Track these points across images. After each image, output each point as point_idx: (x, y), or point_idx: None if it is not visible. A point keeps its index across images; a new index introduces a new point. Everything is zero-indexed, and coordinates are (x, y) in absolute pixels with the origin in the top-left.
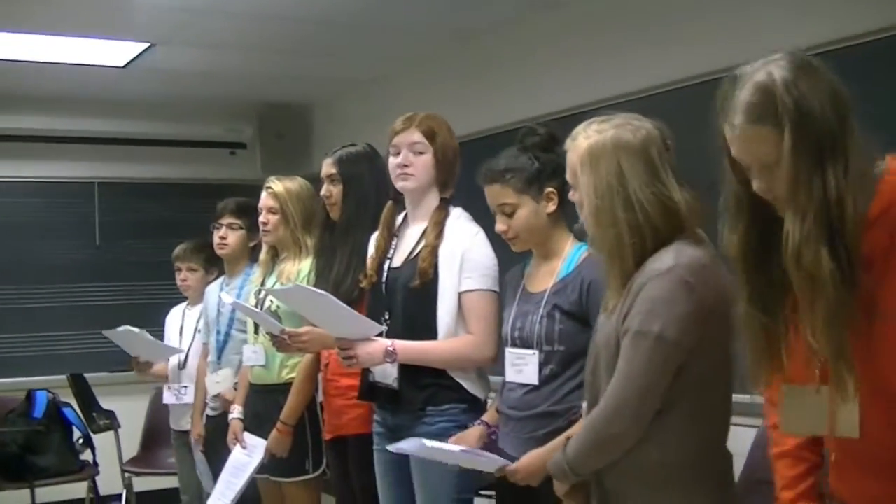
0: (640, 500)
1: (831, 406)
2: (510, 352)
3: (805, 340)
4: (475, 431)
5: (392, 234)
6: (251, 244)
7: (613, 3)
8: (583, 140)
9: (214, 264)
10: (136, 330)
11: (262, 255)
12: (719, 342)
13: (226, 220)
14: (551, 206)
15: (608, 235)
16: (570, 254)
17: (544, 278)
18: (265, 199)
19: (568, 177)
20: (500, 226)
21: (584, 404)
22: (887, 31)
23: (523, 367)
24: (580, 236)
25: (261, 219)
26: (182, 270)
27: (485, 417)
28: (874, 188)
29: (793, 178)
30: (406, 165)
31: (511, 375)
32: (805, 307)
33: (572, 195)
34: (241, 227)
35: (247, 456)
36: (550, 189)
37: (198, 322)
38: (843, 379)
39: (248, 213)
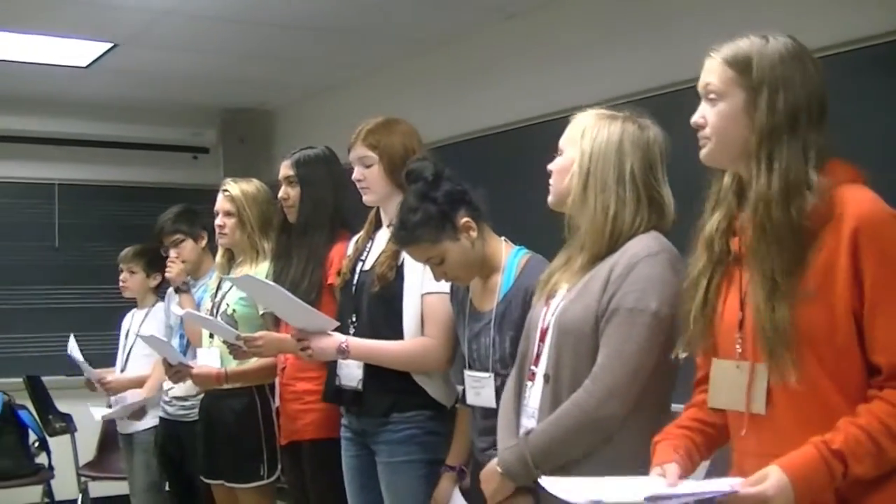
0: None
1: (749, 382)
2: (468, 374)
3: (730, 314)
4: (446, 481)
5: (369, 236)
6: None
7: (578, 11)
8: (592, 112)
9: (156, 268)
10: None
11: (218, 259)
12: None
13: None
14: (473, 234)
15: (592, 203)
16: (507, 263)
17: (488, 295)
18: (221, 203)
19: (561, 142)
20: (436, 276)
21: (504, 400)
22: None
23: (480, 389)
24: None
25: (217, 222)
26: (122, 272)
27: (448, 461)
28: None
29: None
30: (360, 180)
31: (471, 398)
32: (755, 270)
33: (554, 163)
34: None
35: None
36: (464, 220)
37: (140, 325)
38: (781, 355)
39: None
